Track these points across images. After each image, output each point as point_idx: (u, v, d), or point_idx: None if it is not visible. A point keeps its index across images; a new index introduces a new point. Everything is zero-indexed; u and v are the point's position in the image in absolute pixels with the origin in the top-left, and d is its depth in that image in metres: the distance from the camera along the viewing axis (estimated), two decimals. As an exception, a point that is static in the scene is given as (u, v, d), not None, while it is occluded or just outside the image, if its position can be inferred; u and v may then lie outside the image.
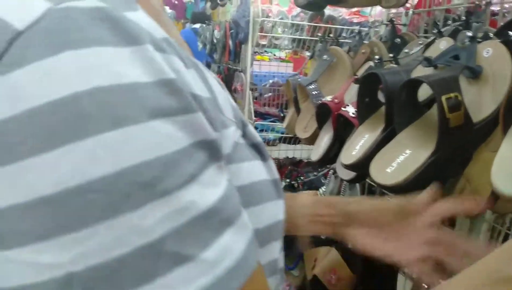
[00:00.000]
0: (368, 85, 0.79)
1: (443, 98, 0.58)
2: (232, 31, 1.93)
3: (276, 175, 0.38)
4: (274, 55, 2.65)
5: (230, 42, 1.97)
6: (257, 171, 0.35)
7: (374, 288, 0.98)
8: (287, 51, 2.46)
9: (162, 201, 0.23)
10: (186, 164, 0.24)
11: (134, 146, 0.23)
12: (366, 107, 0.81)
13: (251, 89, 1.92)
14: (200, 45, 2.46)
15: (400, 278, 0.99)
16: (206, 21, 2.49)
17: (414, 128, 0.69)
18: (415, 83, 0.67)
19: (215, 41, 2.17)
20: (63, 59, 0.22)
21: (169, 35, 0.31)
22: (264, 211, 0.34)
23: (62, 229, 0.22)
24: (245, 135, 0.35)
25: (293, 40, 1.87)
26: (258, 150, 0.36)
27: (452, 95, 0.59)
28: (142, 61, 0.24)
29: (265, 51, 2.42)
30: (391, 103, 0.71)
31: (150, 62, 0.24)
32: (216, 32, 2.15)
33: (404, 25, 1.17)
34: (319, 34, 1.40)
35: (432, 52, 0.77)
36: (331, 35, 1.58)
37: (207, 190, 0.25)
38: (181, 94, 0.25)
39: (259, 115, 2.13)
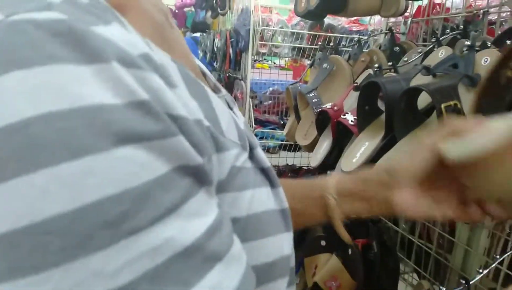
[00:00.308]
0: (368, 93, 0.80)
1: (443, 106, 0.59)
2: (232, 39, 1.95)
3: (285, 204, 0.34)
4: (274, 63, 2.66)
5: (231, 51, 1.98)
6: (263, 200, 0.32)
7: (375, 295, 0.98)
8: (287, 59, 2.47)
9: (131, 240, 0.20)
10: (162, 195, 0.21)
11: (96, 178, 0.20)
12: (366, 115, 0.82)
13: (251, 97, 1.94)
14: (200, 54, 2.49)
15: (401, 285, 0.99)
16: (206, 30, 2.51)
17: (414, 135, 0.70)
18: (415, 91, 0.68)
19: (215, 49, 2.19)
20: (12, 80, 0.19)
21: (172, 47, 0.30)
22: (267, 245, 0.31)
23: (14, 273, 0.19)
24: (252, 158, 0.32)
25: (293, 48, 1.89)
26: (266, 175, 0.34)
27: (451, 103, 0.60)
28: (107, 80, 0.21)
29: (265, 59, 2.43)
30: (391, 111, 0.72)
31: (117, 82, 0.21)
32: (216, 40, 2.16)
33: (403, 33, 1.18)
34: (319, 43, 1.41)
35: (430, 61, 0.78)
36: (331, 44, 1.59)
37: (191, 222, 0.22)
38: (156, 117, 0.22)
39: (259, 122, 2.15)
